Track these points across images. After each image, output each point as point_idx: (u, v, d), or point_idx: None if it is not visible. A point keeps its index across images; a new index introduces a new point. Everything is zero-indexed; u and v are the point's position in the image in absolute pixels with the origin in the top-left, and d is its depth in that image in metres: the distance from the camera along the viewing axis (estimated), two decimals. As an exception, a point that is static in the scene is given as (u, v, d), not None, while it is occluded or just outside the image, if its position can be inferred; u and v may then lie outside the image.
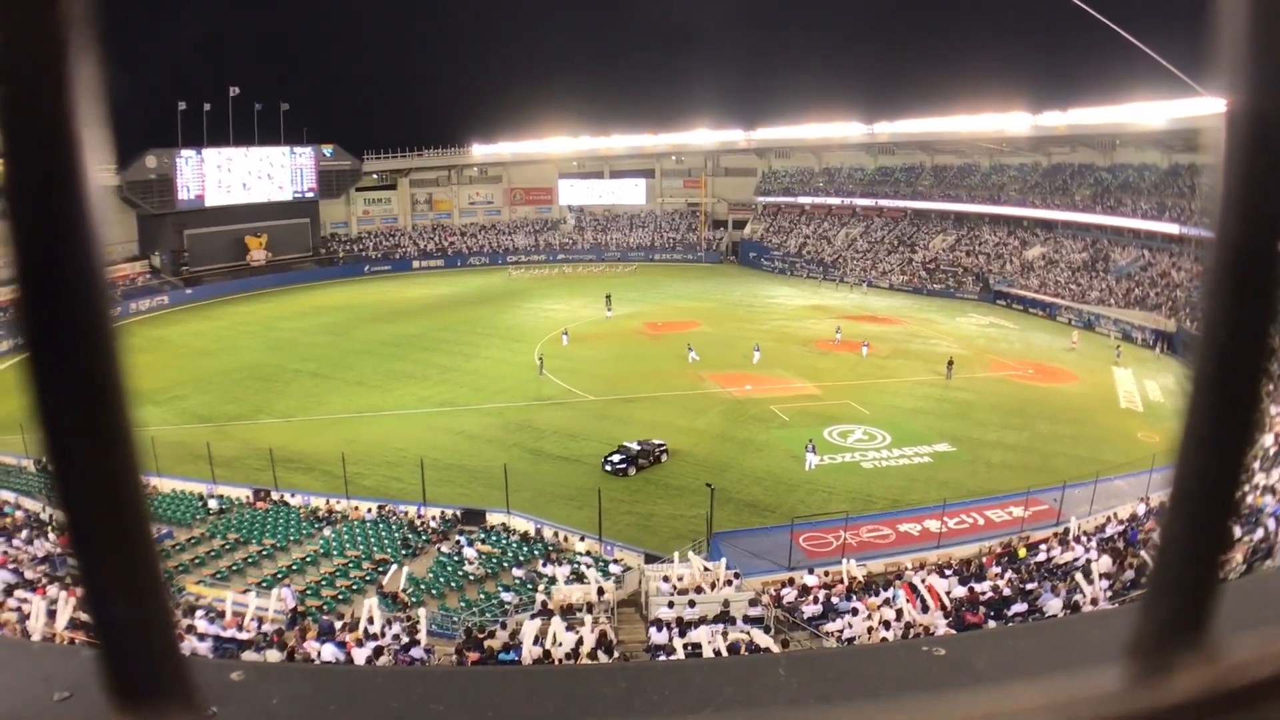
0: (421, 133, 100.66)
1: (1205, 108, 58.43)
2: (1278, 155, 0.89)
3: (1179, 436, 0.97)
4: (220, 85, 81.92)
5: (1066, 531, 26.06)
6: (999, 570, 23.39)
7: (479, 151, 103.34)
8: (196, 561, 27.97)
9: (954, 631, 17.26)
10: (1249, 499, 19.96)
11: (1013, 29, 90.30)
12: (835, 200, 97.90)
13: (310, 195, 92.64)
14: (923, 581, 22.43)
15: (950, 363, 48.34)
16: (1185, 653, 1.01)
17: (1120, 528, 26.02)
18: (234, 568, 27.51)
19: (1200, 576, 1.02)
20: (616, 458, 34.30)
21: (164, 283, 78.27)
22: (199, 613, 21.93)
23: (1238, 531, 19.34)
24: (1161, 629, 1.03)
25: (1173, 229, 66.52)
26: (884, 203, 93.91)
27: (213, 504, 32.02)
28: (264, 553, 28.47)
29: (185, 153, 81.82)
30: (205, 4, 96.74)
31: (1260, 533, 18.85)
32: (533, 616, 21.11)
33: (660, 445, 35.48)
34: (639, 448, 34.82)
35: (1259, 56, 0.85)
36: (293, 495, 32.71)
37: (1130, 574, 20.88)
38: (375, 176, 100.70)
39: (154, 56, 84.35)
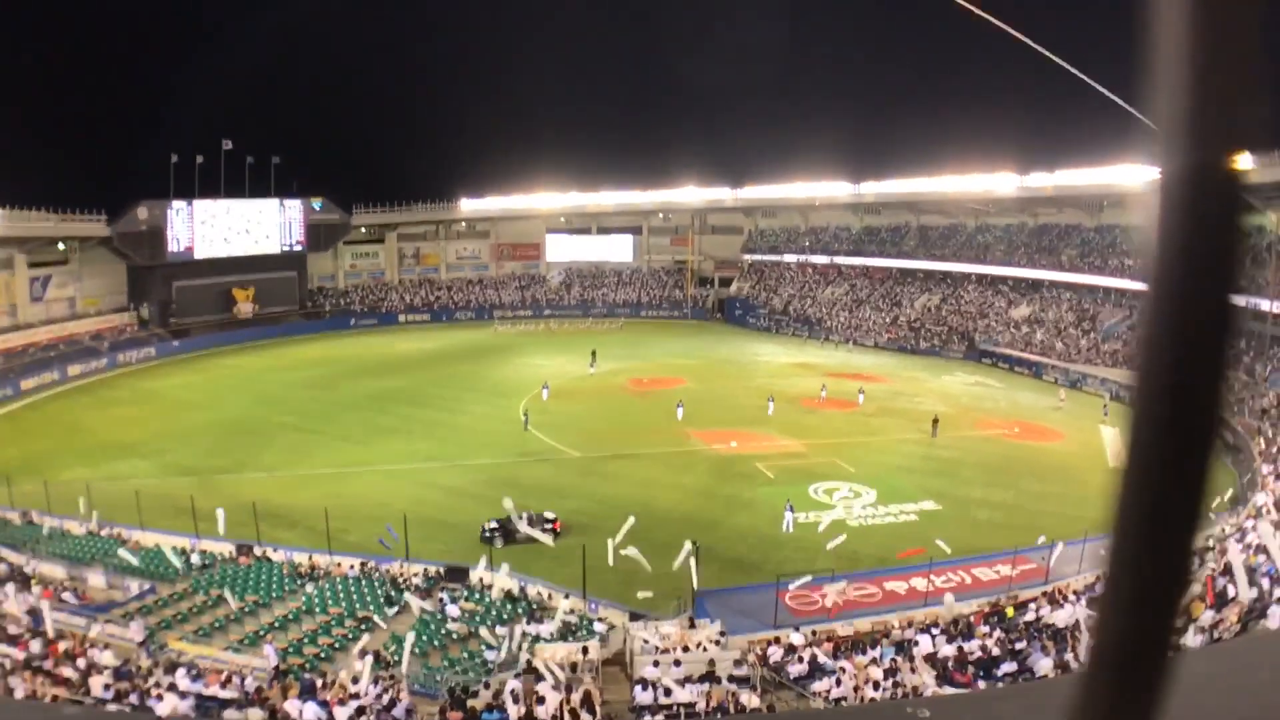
0: (410, 187, 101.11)
1: (1141, 173, 59.26)
2: (1214, 220, 0.88)
3: (1116, 511, 0.93)
4: (213, 137, 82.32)
5: (1058, 590, 25.98)
6: (988, 630, 23.23)
7: (467, 206, 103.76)
8: (179, 617, 27.55)
9: (942, 691, 17.11)
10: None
11: (1000, 90, 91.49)
12: (821, 259, 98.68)
13: (299, 248, 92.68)
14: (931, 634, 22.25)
15: (936, 421, 48.39)
16: None
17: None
18: (216, 624, 27.12)
19: (1147, 656, 0.95)
20: (492, 524, 32.96)
21: (152, 334, 77.98)
22: (180, 670, 21.59)
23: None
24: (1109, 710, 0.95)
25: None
26: (870, 262, 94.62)
27: (195, 559, 31.64)
28: (246, 609, 28.10)
29: (177, 204, 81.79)
30: (200, 58, 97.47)
31: (1254, 592, 18.78)
32: (516, 675, 20.84)
33: (548, 522, 33.13)
34: (522, 518, 31.15)
35: (1193, 121, 0.85)
36: (275, 550, 32.37)
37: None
38: (363, 230, 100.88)
39: (148, 109, 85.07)
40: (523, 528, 30.15)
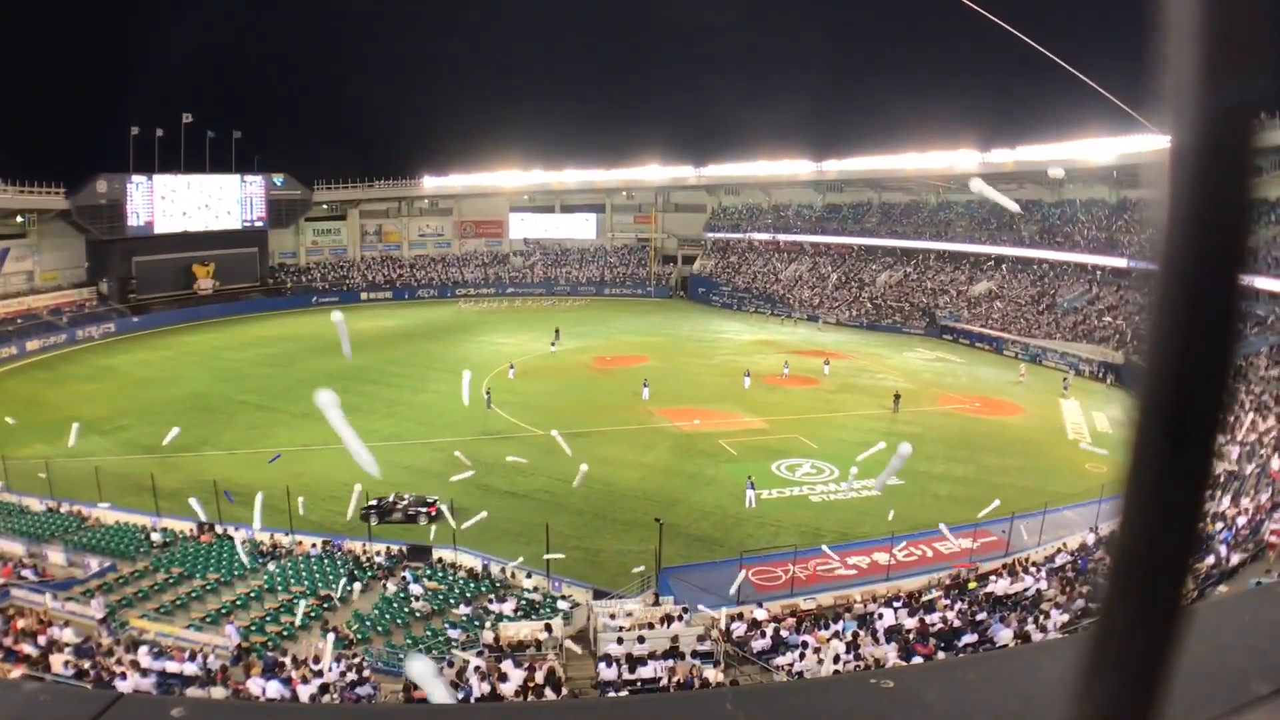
0: (372, 163, 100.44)
1: (1153, 143, 59.84)
2: (1225, 188, 0.89)
3: (1123, 490, 0.88)
4: (174, 111, 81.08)
5: (1016, 562, 26.27)
6: (949, 602, 23.46)
7: (430, 183, 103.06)
8: (140, 595, 27.36)
9: (903, 663, 17.24)
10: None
11: (961, 67, 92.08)
12: (784, 236, 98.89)
13: (260, 224, 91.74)
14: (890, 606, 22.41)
15: (897, 397, 48.72)
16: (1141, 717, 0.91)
17: (1070, 558, 26.28)
18: (178, 602, 26.93)
19: (1147, 657, 0.92)
20: (370, 503, 32.68)
21: (111, 310, 76.96)
22: (143, 648, 21.41)
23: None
24: (1112, 689, 0.93)
25: (1120, 263, 67.85)
26: (832, 239, 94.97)
27: (156, 537, 31.37)
28: (208, 587, 27.90)
29: (136, 178, 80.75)
30: (160, 30, 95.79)
31: (1211, 558, 19.09)
32: (479, 654, 20.81)
33: (423, 508, 33.17)
34: (405, 501, 33.13)
35: (1205, 86, 0.86)
36: (237, 529, 32.11)
37: (1080, 603, 21.04)
38: (325, 207, 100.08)
39: (108, 80, 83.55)
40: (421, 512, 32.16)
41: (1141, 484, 0.87)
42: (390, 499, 33.26)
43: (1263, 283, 52.10)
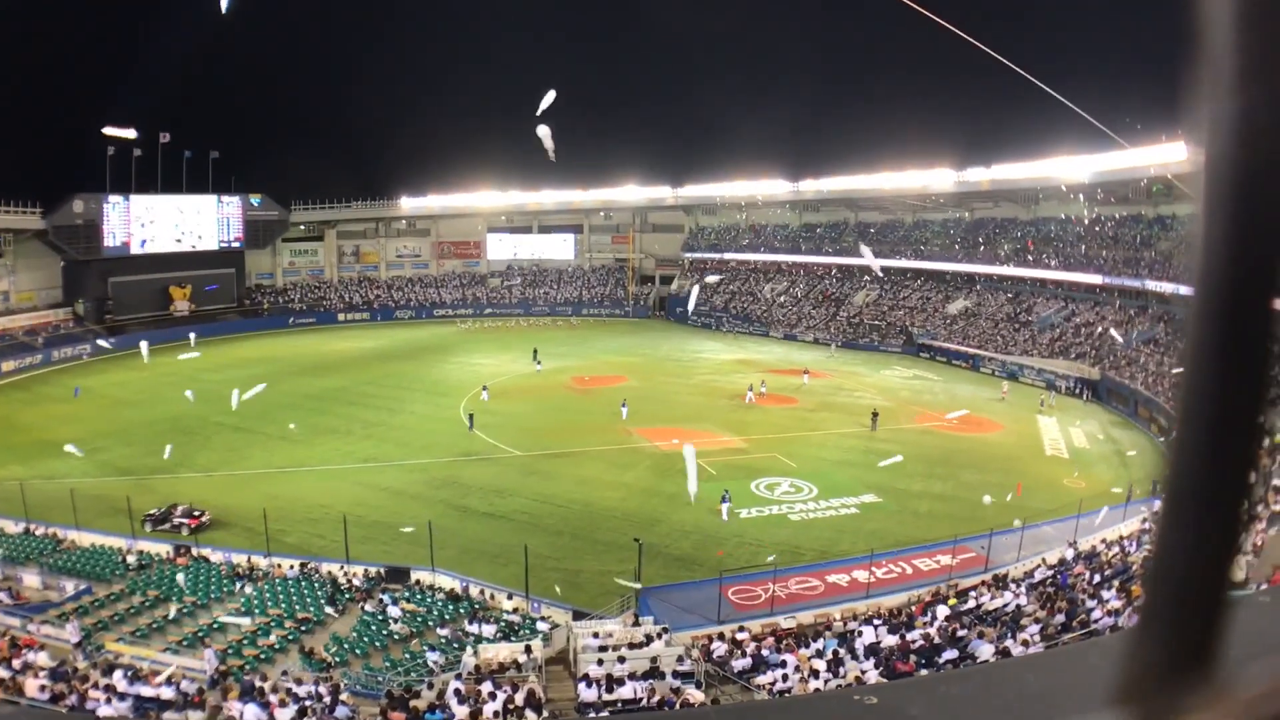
0: (350, 184, 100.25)
1: (1128, 160, 60.45)
2: (1262, 202, 0.88)
3: (1175, 435, 0.88)
4: (151, 130, 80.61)
5: (996, 578, 26.32)
6: (929, 619, 23.47)
7: (407, 204, 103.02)
8: (116, 618, 27.09)
9: (885, 680, 17.22)
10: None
11: (937, 87, 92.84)
12: (761, 256, 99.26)
13: (236, 245, 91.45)
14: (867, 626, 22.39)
15: (875, 415, 48.87)
16: (1192, 691, 0.89)
17: (1049, 573, 26.36)
18: (154, 625, 26.65)
19: (1203, 596, 0.90)
20: (152, 511, 34.43)
21: (87, 331, 76.24)
22: (118, 672, 21.15)
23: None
24: (1161, 664, 0.91)
25: (1095, 279, 68.40)
26: (809, 259, 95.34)
27: (132, 559, 31.07)
28: (184, 610, 27.62)
29: (113, 198, 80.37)
30: (136, 49, 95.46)
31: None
32: (458, 676, 20.66)
33: (186, 519, 34.30)
34: (178, 510, 34.62)
35: (1243, 92, 0.85)
36: (213, 552, 31.86)
37: (1060, 618, 21.09)
38: (302, 227, 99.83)
39: (85, 99, 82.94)
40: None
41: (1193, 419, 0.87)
42: (166, 509, 34.62)
43: None
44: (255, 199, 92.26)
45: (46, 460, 42.39)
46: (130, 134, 55.87)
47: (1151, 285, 62.36)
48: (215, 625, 26.63)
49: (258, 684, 20.52)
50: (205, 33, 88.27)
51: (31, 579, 30.00)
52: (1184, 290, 0.90)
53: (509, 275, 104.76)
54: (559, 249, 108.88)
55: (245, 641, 25.55)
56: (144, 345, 42.09)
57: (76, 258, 78.45)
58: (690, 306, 78.70)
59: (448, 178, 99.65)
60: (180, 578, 28.31)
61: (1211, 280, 0.89)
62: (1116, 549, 27.65)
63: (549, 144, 21.66)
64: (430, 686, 20.91)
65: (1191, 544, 0.90)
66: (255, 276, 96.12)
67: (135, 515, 33.24)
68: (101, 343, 68.20)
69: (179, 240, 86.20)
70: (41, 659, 21.80)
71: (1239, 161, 0.87)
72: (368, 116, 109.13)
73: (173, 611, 27.12)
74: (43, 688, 19.49)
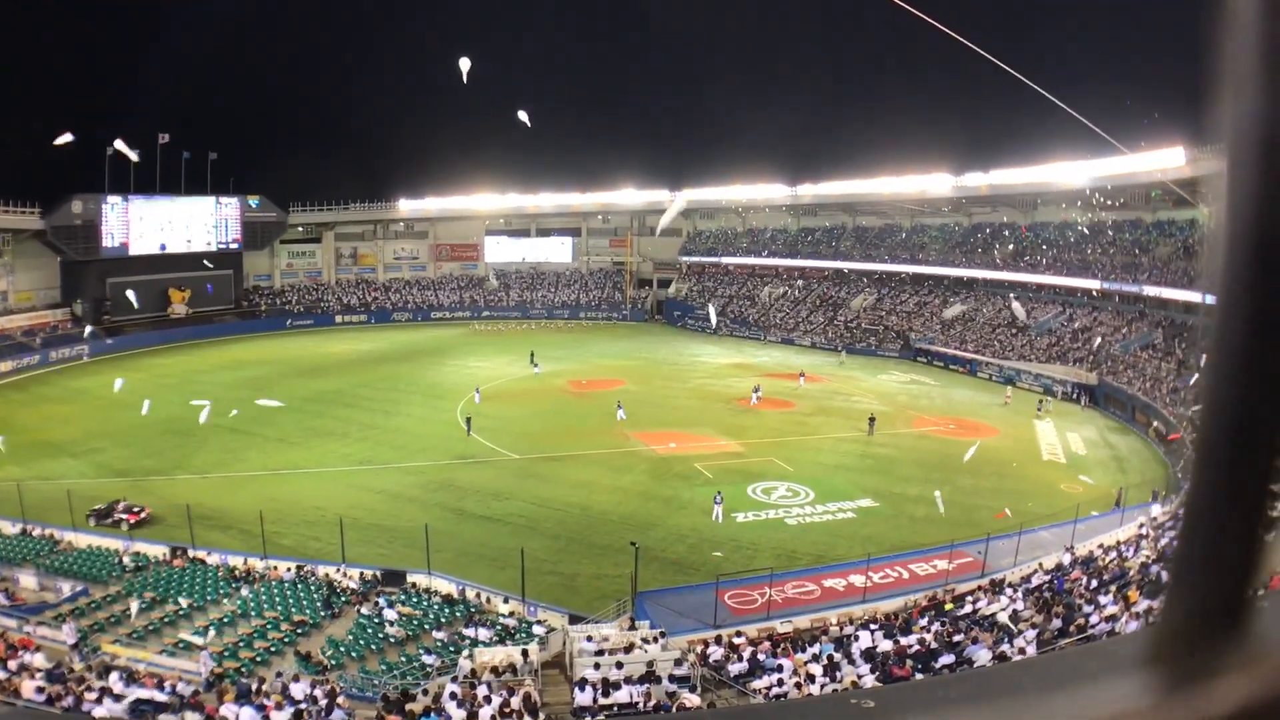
0: (348, 186, 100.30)
1: (1127, 166, 60.53)
2: None
3: (1204, 393, 0.88)
4: (150, 131, 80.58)
5: (993, 583, 26.29)
6: (925, 623, 23.44)
7: (405, 206, 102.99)
8: (112, 620, 27.01)
9: (882, 684, 17.20)
10: None
11: (935, 92, 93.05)
12: (759, 260, 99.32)
13: (235, 246, 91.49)
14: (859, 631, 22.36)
15: (872, 419, 48.84)
16: (1225, 653, 0.88)
17: (1046, 578, 26.34)
18: (150, 627, 26.57)
19: (1235, 556, 0.89)
20: (97, 506, 35.32)
21: (84, 331, 76.15)
22: (114, 674, 21.10)
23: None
24: (1192, 625, 0.90)
25: (1093, 284, 68.46)
26: (806, 263, 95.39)
27: (128, 561, 31.00)
28: (181, 612, 27.55)
29: (112, 199, 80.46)
30: (137, 50, 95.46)
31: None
32: (455, 680, 20.62)
33: (125, 514, 35.16)
34: (120, 506, 35.40)
35: (1266, 100, 0.84)
36: (210, 554, 31.79)
37: (1057, 623, 21.07)
38: (300, 229, 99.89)
39: (85, 100, 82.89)
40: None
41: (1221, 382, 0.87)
42: (109, 505, 35.37)
43: None
44: (253, 200, 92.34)
45: (43, 461, 42.41)
46: (134, 156, 56.04)
47: (1150, 290, 62.42)
48: (212, 627, 26.60)
49: (254, 687, 20.49)
50: (206, 35, 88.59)
51: (28, 580, 29.93)
52: (1207, 298, 0.91)
53: (503, 279, 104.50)
54: (557, 252, 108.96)
55: (241, 644, 25.51)
56: (205, 410, 42.38)
57: (75, 258, 78.52)
58: (713, 322, 78.12)
59: (446, 180, 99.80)
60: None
61: (1235, 285, 0.88)
62: (1114, 554, 27.64)
63: (464, 67, 23.32)
64: (426, 690, 20.87)
65: (1223, 500, 0.89)
66: (253, 278, 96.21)
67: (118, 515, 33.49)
68: (85, 335, 68.37)
69: (176, 241, 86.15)
70: (38, 660, 21.74)
71: (1263, 165, 0.85)
72: (367, 119, 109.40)
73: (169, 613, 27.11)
74: (39, 689, 19.45)
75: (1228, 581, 0.90)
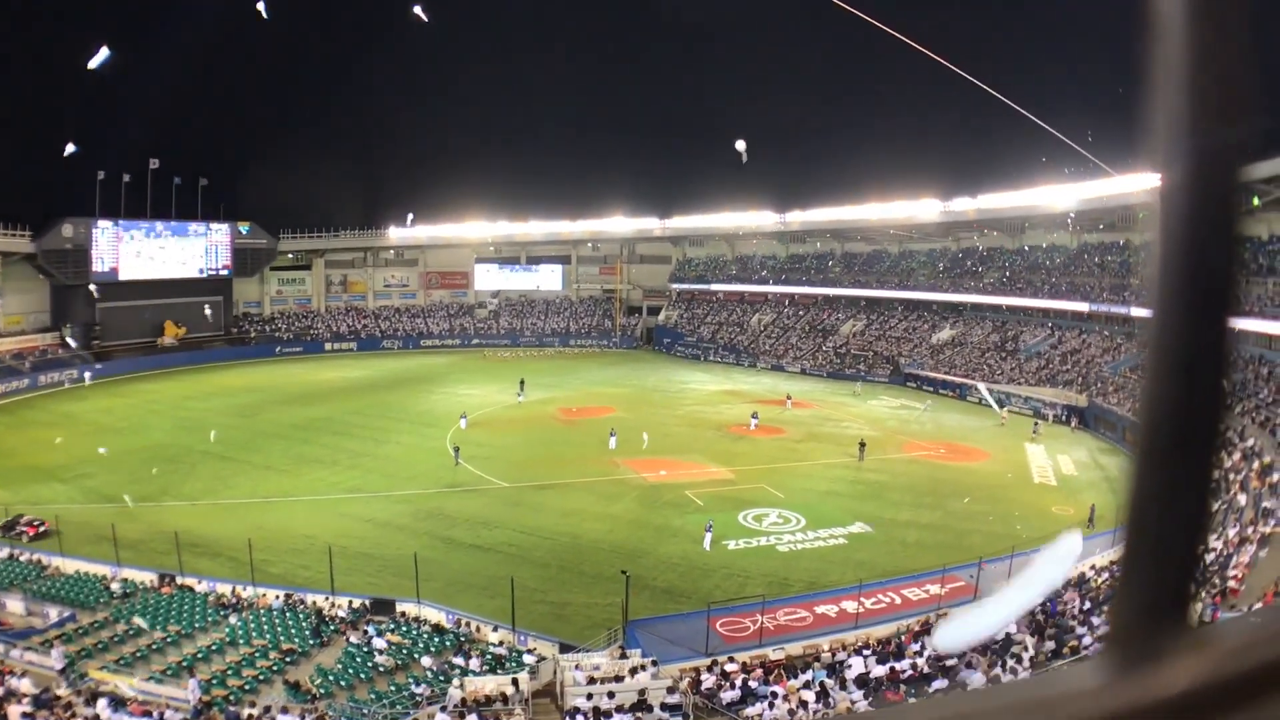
0: (338, 213, 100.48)
1: (1114, 188, 60.87)
2: (1215, 227, 0.93)
3: (1143, 398, 0.98)
4: (141, 156, 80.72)
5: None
6: (918, 648, 23.33)
7: (395, 234, 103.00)
8: (100, 646, 26.72)
9: (873, 709, 17.08)
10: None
11: (924, 117, 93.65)
12: (748, 287, 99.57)
13: (225, 273, 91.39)
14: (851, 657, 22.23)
15: (862, 445, 48.81)
16: (1171, 638, 0.95)
17: (1039, 600, 26.24)
18: (138, 654, 26.31)
19: (1177, 549, 0.97)
20: (5, 520, 36.27)
21: (74, 356, 75.99)
22: (101, 700, 20.89)
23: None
24: (1140, 611, 0.96)
25: (1081, 307, 68.78)
26: (795, 289, 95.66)
27: (116, 587, 30.74)
28: (169, 639, 27.30)
29: (102, 223, 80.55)
30: (129, 75, 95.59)
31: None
32: (445, 709, 20.44)
33: (25, 528, 35.88)
34: (22, 519, 36.34)
35: (1194, 129, 0.90)
36: (198, 581, 31.53)
37: (1050, 645, 21.00)
38: (290, 256, 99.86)
39: (76, 124, 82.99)
40: None
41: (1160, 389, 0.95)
42: (13, 518, 36.39)
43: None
44: (244, 227, 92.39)
45: (32, 486, 42.12)
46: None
47: (1137, 312, 62.58)
48: (200, 655, 26.35)
49: (242, 715, 20.30)
50: (197, 60, 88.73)
51: (15, 605, 29.62)
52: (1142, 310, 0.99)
53: (496, 303, 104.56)
54: (547, 280, 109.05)
55: (229, 672, 25.27)
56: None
57: (65, 282, 78.46)
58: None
59: (436, 208, 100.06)
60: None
61: (1169, 299, 0.94)
62: (1106, 575, 27.59)
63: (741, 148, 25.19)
64: (415, 720, 20.69)
65: (1166, 498, 0.96)
66: (242, 305, 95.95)
67: (120, 543, 32.93)
68: (87, 374, 68.30)
69: (167, 267, 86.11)
70: (24, 686, 21.53)
71: (1193, 191, 0.91)
72: (357, 146, 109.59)
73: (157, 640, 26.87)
74: (25, 715, 19.26)
75: (1171, 576, 0.96)
